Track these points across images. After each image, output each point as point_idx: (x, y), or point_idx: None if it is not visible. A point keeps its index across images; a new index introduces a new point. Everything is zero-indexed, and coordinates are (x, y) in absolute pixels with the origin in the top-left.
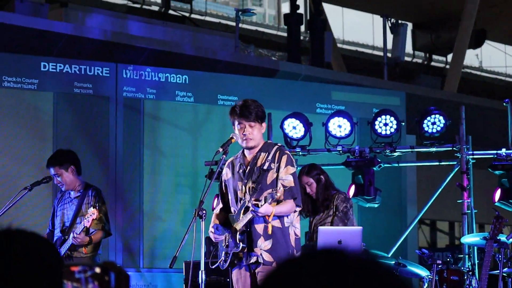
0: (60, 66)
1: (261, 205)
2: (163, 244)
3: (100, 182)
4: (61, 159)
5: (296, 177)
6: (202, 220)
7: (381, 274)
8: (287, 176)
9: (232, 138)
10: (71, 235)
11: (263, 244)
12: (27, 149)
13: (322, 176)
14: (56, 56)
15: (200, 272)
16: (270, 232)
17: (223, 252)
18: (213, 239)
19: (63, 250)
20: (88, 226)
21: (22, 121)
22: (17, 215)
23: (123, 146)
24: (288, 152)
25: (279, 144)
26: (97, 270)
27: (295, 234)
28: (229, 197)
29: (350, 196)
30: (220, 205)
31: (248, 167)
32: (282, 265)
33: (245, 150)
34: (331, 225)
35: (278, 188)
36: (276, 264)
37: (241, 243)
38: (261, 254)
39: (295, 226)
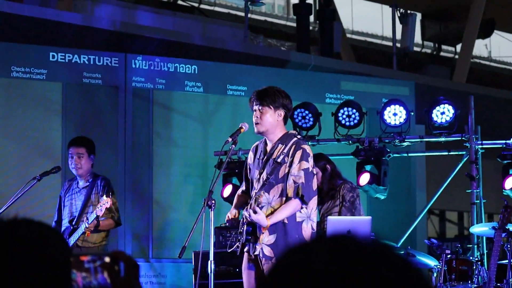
0: (69, 56)
1: (257, 212)
2: (173, 234)
3: (110, 172)
4: (90, 144)
5: (309, 172)
6: (211, 210)
7: (392, 260)
8: (299, 172)
9: (241, 127)
10: (82, 224)
11: (266, 238)
12: (36, 140)
13: (328, 166)
14: (65, 47)
15: (209, 262)
16: (261, 240)
17: (237, 239)
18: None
19: (72, 240)
20: (100, 215)
21: (31, 111)
22: (26, 205)
23: (133, 136)
24: (305, 146)
25: (298, 136)
26: (107, 259)
27: (312, 228)
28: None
29: (362, 185)
30: (243, 187)
31: (265, 157)
32: (290, 251)
33: (265, 137)
34: (339, 215)
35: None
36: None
37: (245, 235)
38: (262, 248)
39: (312, 220)
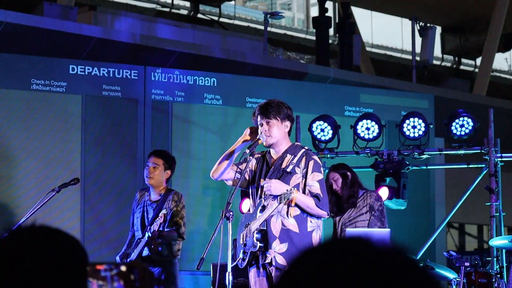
0: (88, 69)
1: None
2: (191, 246)
3: (128, 184)
4: (170, 160)
5: (323, 183)
6: (229, 222)
7: (408, 266)
8: (313, 182)
9: (258, 139)
10: (146, 234)
11: (277, 247)
12: (56, 152)
13: (348, 173)
14: (85, 59)
15: (227, 274)
16: (292, 214)
17: (241, 251)
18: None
19: (138, 250)
20: (156, 230)
21: (50, 123)
22: (45, 216)
23: (151, 149)
24: (316, 157)
25: (306, 148)
26: (123, 268)
27: (320, 238)
28: (250, 190)
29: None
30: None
31: (272, 167)
32: (304, 253)
33: (271, 148)
34: (368, 225)
35: (294, 189)
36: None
37: (258, 243)
38: (274, 257)
39: (321, 230)
